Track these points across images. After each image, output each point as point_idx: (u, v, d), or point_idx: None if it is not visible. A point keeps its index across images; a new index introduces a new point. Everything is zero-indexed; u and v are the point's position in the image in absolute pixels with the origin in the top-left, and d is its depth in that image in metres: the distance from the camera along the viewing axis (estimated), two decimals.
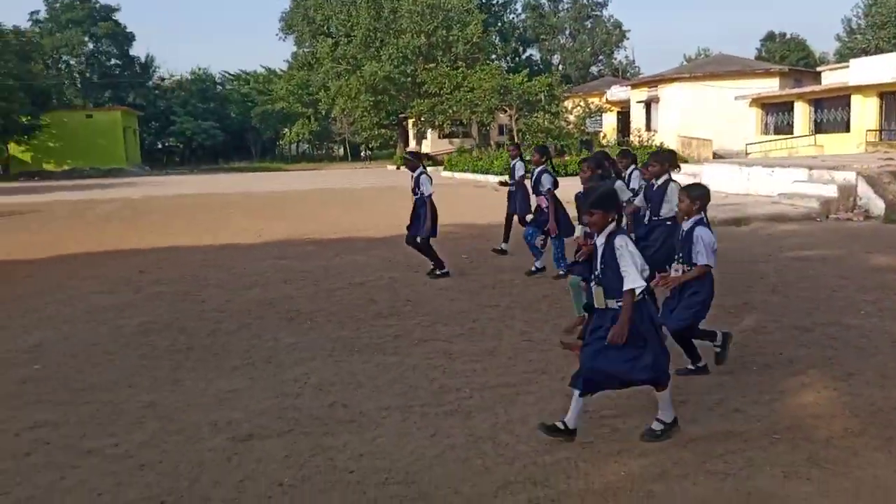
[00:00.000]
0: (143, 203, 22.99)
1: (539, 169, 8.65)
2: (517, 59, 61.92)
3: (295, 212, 18.46)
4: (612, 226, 3.91)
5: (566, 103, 35.42)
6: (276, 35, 58.92)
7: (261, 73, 67.40)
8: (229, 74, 71.02)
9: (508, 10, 62.59)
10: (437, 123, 39.22)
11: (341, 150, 70.21)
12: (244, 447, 4.05)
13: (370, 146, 69.48)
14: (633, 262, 3.80)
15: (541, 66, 60.49)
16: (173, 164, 62.62)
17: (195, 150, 63.75)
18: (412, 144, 51.26)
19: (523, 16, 65.08)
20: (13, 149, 48.04)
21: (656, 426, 4.04)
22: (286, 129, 65.91)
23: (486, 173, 29.49)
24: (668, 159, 6.92)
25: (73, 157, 48.87)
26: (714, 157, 28.89)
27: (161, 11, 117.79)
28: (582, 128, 35.07)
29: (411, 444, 4.03)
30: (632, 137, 34.10)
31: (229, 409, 4.66)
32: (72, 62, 57.59)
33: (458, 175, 32.03)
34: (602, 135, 36.85)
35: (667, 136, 32.26)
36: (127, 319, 7.14)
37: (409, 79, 39.89)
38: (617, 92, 39.60)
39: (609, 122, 40.10)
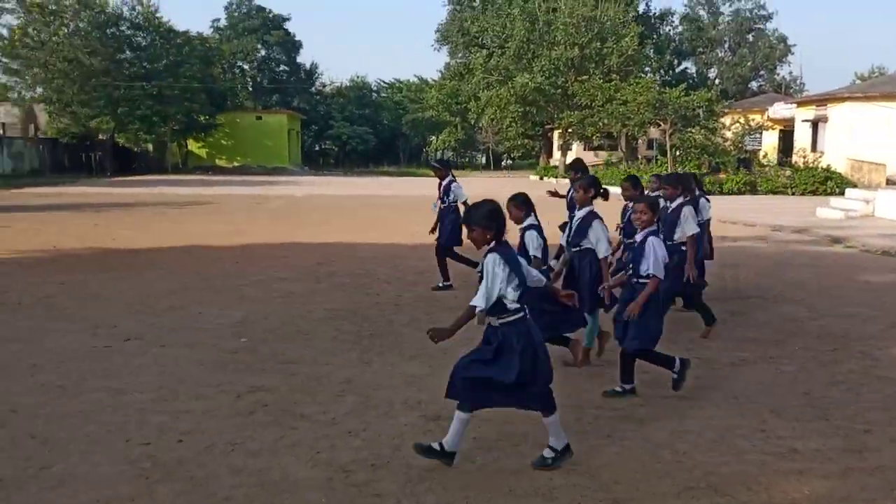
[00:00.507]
0: (306, 201, 24.67)
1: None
2: (671, 71, 60.16)
3: None
4: (492, 243, 3.82)
5: (724, 119, 34.06)
6: (432, 46, 60.94)
7: (413, 82, 69.89)
8: (384, 82, 74.19)
9: (665, 23, 60.94)
10: (585, 135, 38.97)
11: (483, 159, 71.34)
12: (435, 425, 4.46)
13: (512, 156, 70.04)
14: (486, 284, 3.71)
15: (696, 80, 58.40)
16: (328, 165, 66.28)
17: (349, 154, 67.15)
18: (556, 156, 51.22)
19: (680, 28, 63.12)
20: (191, 145, 52.95)
21: (547, 453, 3.93)
22: (433, 137, 67.89)
23: None
24: (682, 182, 6.65)
25: (242, 154, 53.08)
26: (888, 184, 26.71)
27: (327, 22, 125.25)
28: (740, 145, 33.58)
29: (588, 442, 4.27)
30: (795, 158, 32.20)
31: (416, 391, 5.13)
32: (245, 67, 62.60)
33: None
34: (762, 153, 35.05)
35: (834, 158, 30.20)
36: (315, 305, 7.90)
37: (560, 90, 39.93)
38: (780, 109, 37.48)
39: (769, 141, 38.04)
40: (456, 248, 8.79)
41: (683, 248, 6.44)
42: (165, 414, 4.67)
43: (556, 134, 50.48)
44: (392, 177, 48.92)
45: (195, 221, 17.25)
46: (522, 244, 5.43)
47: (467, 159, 74.30)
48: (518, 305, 3.79)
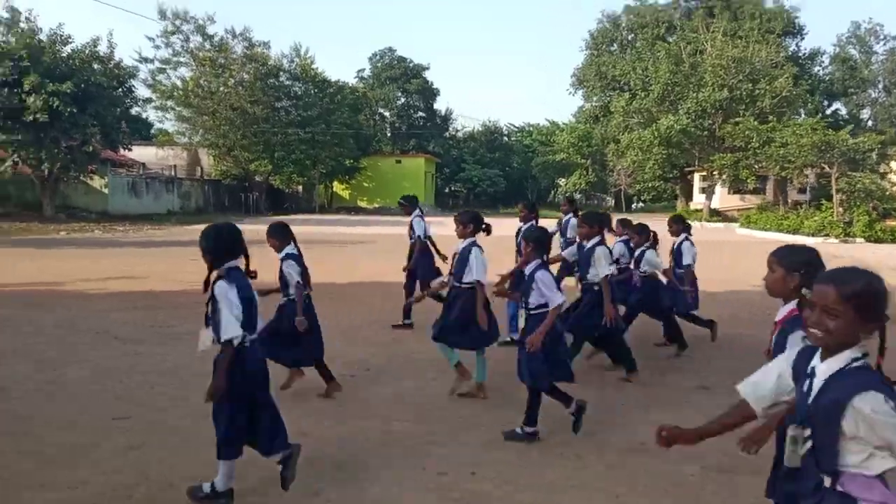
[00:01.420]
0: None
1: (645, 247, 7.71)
2: (821, 113, 57.40)
3: None
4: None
5: (893, 163, 32.00)
6: (567, 90, 61.48)
7: (544, 126, 70.50)
8: (514, 126, 75.33)
9: (814, 63, 58.37)
10: (738, 178, 37.72)
11: (612, 201, 70.43)
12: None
13: (643, 198, 68.71)
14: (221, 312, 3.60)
15: (848, 121, 55.29)
16: (457, 206, 67.76)
17: (478, 195, 68.36)
18: (696, 199, 49.72)
19: (830, 68, 60.20)
20: (336, 186, 55.82)
21: (205, 487, 3.79)
22: (562, 179, 67.94)
23: (795, 233, 27.64)
24: (598, 221, 6.49)
25: (382, 196, 55.28)
26: None
27: (462, 70, 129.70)
28: None
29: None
30: None
31: None
32: (386, 114, 65.53)
33: (757, 233, 30.39)
34: None
35: None
36: None
37: (706, 132, 39.03)
38: None
39: None
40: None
41: (595, 288, 6.37)
42: None
43: (696, 176, 49.16)
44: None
45: (367, 258, 18.06)
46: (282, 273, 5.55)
47: (595, 201, 73.72)
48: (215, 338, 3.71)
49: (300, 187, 53.27)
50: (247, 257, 3.88)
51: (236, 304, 3.61)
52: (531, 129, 72.40)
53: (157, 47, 44.17)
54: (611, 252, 6.62)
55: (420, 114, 66.84)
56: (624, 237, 7.74)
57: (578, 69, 56.46)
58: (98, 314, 9.54)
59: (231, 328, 3.57)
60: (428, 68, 65.15)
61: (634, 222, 7.92)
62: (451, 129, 70.98)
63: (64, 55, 30.72)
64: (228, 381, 3.60)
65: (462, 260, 5.87)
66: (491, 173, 65.93)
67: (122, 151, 38.52)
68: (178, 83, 44.58)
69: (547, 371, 4.85)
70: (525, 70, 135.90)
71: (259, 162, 45.78)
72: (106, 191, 36.84)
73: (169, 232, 28.05)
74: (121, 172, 39.68)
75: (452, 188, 74.34)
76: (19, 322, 8.88)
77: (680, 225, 8.11)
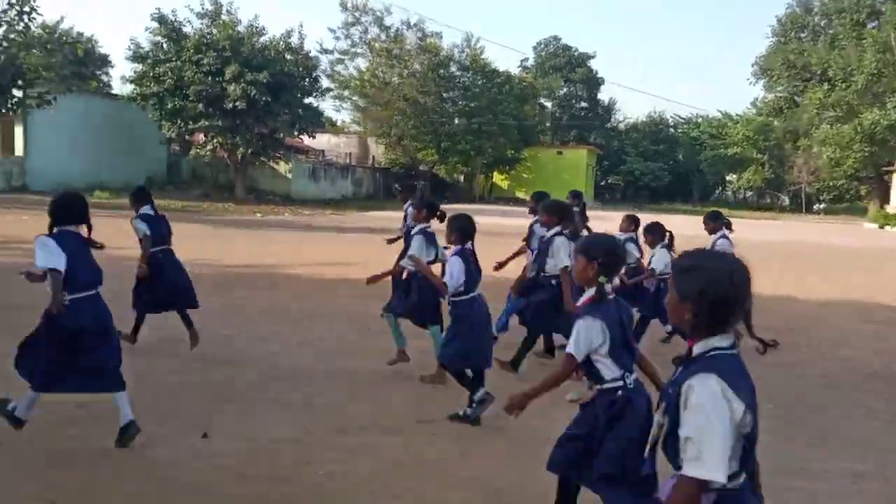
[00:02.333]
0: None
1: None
2: None
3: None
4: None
5: None
6: (747, 80, 57.56)
7: (715, 117, 66.57)
8: (681, 118, 71.79)
9: None
10: None
11: (787, 200, 65.28)
12: None
13: (822, 198, 63.09)
14: None
15: None
16: (614, 200, 65.66)
17: (639, 189, 65.85)
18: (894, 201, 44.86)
19: None
20: (496, 177, 55.75)
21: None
22: (733, 175, 63.88)
23: None
24: (558, 211, 6.28)
25: (540, 187, 53.46)
26: None
27: (628, 58, 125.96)
28: None
29: None
30: None
31: None
32: (547, 104, 64.61)
33: None
34: None
35: None
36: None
37: None
38: None
39: None
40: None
41: (553, 281, 6.13)
42: None
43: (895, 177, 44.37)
44: (688, 215, 46.56)
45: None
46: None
47: (768, 199, 68.76)
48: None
49: (461, 177, 53.69)
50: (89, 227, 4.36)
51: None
52: (700, 120, 68.66)
53: (338, 38, 45.84)
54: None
55: (582, 104, 65.32)
56: (630, 234, 7.66)
57: (761, 57, 52.59)
58: (348, 299, 9.66)
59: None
60: (594, 57, 63.52)
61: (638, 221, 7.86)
62: (613, 119, 68.83)
63: (259, 46, 32.49)
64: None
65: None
66: (654, 167, 63.25)
67: (304, 139, 40.44)
68: (355, 73, 46.15)
69: (461, 356, 5.01)
70: (696, 59, 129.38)
71: (426, 151, 46.52)
72: (289, 175, 38.87)
73: (353, 217, 28.99)
74: (301, 158, 41.72)
75: (610, 181, 72.19)
76: (286, 308, 9.10)
77: (717, 222, 7.58)
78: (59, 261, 3.96)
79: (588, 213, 8.91)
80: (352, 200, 40.90)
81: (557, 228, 6.23)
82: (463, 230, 5.12)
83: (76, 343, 4.10)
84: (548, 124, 65.35)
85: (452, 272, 4.99)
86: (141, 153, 36.22)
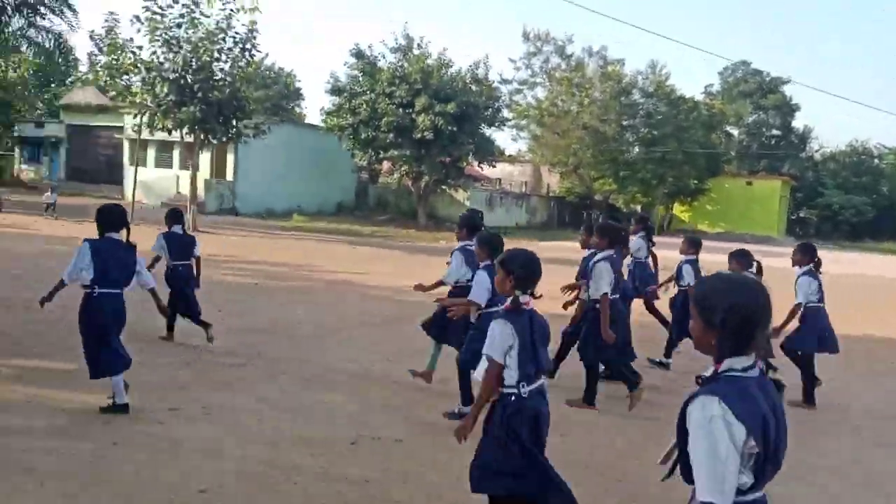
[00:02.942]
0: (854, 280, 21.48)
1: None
2: None
3: None
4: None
5: None
6: None
7: None
8: (886, 147, 64.74)
9: None
10: None
11: None
12: None
13: None
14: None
15: None
16: (807, 235, 60.19)
17: (838, 224, 59.95)
18: None
19: None
20: (676, 208, 53.20)
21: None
22: None
23: None
24: (610, 233, 6.32)
25: (726, 220, 51.22)
26: None
27: (827, 83, 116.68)
28: None
29: None
30: None
31: None
32: (734, 132, 60.94)
33: None
34: None
35: None
36: None
37: None
38: None
39: None
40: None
41: (597, 306, 6.16)
42: None
43: None
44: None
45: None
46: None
47: None
48: None
49: (639, 207, 51.78)
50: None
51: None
52: None
53: (518, 69, 46.18)
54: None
55: (773, 131, 60.86)
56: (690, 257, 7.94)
57: None
58: None
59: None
60: (788, 82, 59.05)
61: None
62: (808, 148, 63.48)
63: (447, 78, 33.36)
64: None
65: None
66: (857, 200, 57.38)
67: (480, 167, 40.95)
68: (533, 103, 46.19)
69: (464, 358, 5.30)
70: None
71: (603, 180, 45.36)
72: (467, 203, 39.37)
73: (537, 247, 28.65)
74: (478, 186, 42.25)
75: (803, 215, 66.43)
76: None
77: (804, 255, 7.00)
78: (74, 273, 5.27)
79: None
80: (526, 229, 40.69)
81: (606, 252, 6.19)
82: (490, 245, 5.25)
83: (104, 330, 5.23)
84: (733, 153, 61.56)
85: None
86: (333, 181, 38.47)
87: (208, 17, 21.56)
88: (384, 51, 34.38)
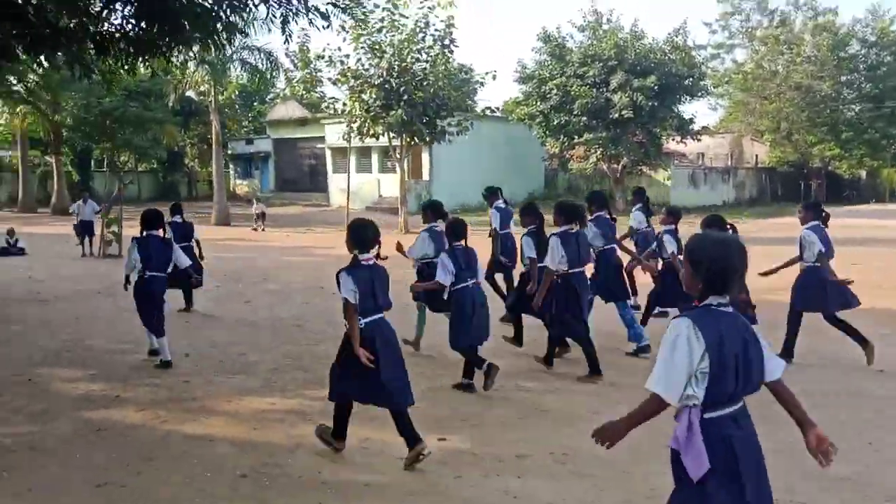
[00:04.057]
0: None
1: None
2: None
3: None
4: None
5: None
6: None
7: None
8: None
9: None
10: None
11: None
12: None
13: None
14: None
15: None
16: None
17: None
18: None
19: None
20: None
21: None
22: None
23: None
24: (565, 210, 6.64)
25: None
26: None
27: None
28: None
29: None
30: None
31: None
32: None
33: None
34: None
35: None
36: None
37: None
38: None
39: None
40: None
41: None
42: None
43: None
44: None
45: None
46: None
47: None
48: None
49: (862, 172, 45.86)
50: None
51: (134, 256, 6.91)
52: None
53: (713, 32, 42.54)
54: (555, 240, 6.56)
55: None
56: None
57: None
58: None
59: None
60: None
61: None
62: None
63: (644, 51, 31.20)
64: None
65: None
66: None
67: (683, 143, 38.11)
68: (732, 67, 42.36)
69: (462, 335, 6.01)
70: None
71: (823, 145, 40.51)
72: (668, 183, 36.93)
73: (755, 226, 25.93)
74: (680, 164, 39.46)
75: None
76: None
77: (809, 212, 6.95)
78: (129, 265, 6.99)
79: None
80: (734, 206, 37.30)
81: (565, 227, 6.50)
82: (453, 229, 6.07)
83: (153, 302, 6.87)
84: None
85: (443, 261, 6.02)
86: (522, 171, 37.68)
87: (407, 17, 21.45)
88: (572, 31, 32.94)
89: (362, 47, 21.58)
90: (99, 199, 19.13)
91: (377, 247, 4.63)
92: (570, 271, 6.39)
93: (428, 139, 22.78)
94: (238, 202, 37.64)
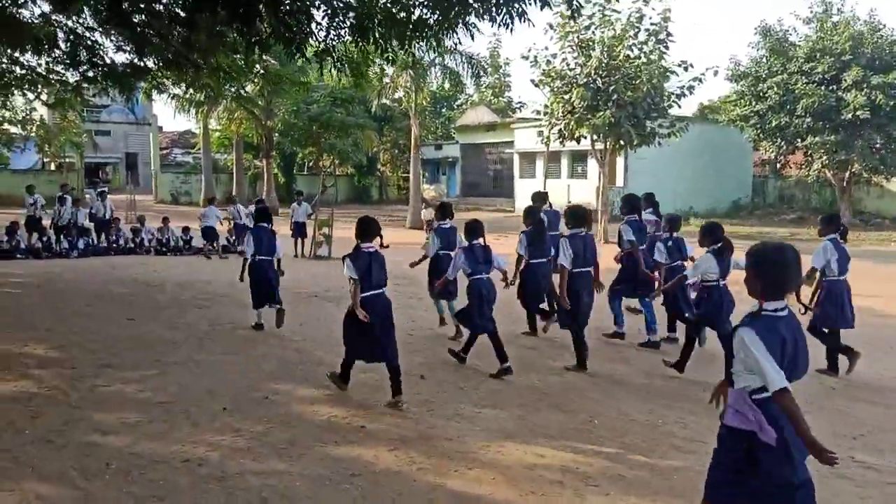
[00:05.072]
0: None
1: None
2: None
3: None
4: None
5: None
6: None
7: None
8: None
9: None
10: None
11: None
12: None
13: None
14: None
15: None
16: None
17: None
18: None
19: None
20: None
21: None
22: None
23: None
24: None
25: None
26: None
27: None
28: None
29: None
30: None
31: None
32: None
33: None
34: None
35: None
36: None
37: None
38: None
39: None
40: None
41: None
42: None
43: None
44: None
45: None
46: None
47: None
48: None
49: None
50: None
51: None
52: None
53: None
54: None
55: None
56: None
57: None
58: None
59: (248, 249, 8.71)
60: None
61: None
62: None
63: (885, 43, 27.18)
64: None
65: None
66: None
67: None
68: None
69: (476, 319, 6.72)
70: None
71: None
72: None
73: None
74: None
75: None
76: None
77: (827, 226, 7.27)
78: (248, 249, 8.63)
79: None
80: None
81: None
82: (469, 229, 6.88)
83: (264, 284, 8.56)
84: None
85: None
86: (727, 177, 34.57)
87: (619, 12, 19.97)
88: (795, 24, 29.57)
89: (569, 45, 20.41)
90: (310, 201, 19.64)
91: (379, 238, 6.41)
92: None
93: (636, 142, 21.05)
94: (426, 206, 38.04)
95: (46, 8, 9.48)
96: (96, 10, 9.37)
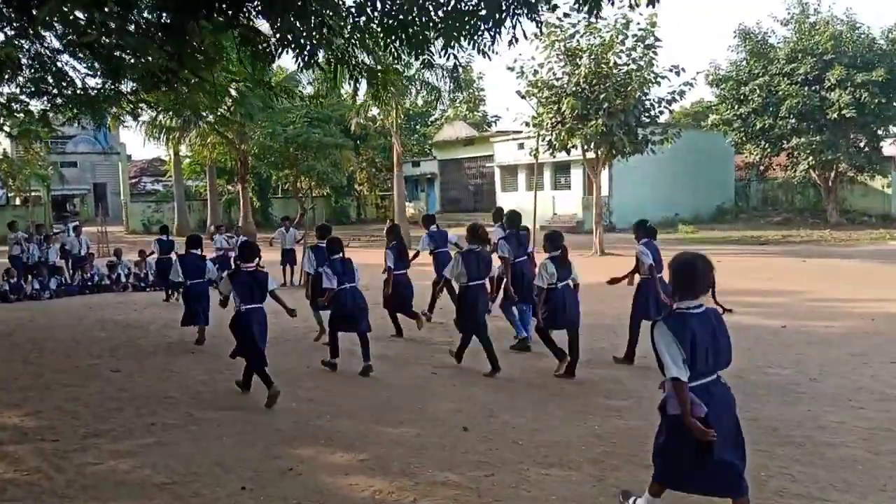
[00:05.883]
0: None
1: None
2: None
3: None
4: None
5: None
6: None
7: None
8: None
9: None
10: None
11: None
12: None
13: None
14: None
15: None
16: None
17: None
18: None
19: None
20: None
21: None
22: None
23: None
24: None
25: None
26: None
27: None
28: None
29: None
30: None
31: None
32: None
33: None
34: None
35: None
36: None
37: None
38: None
39: None
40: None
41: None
42: None
43: None
44: None
45: None
46: None
47: None
48: None
49: None
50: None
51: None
52: None
53: None
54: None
55: None
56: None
57: None
58: None
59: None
60: None
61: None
62: None
63: (866, 41, 27.18)
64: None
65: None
66: None
67: None
68: None
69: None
70: None
71: None
72: (888, 191, 32.06)
73: None
74: None
75: None
76: None
77: (639, 230, 8.12)
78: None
79: None
80: None
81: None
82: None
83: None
84: None
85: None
86: (710, 182, 34.28)
87: (605, 18, 19.46)
88: (773, 26, 29.51)
89: (556, 54, 19.84)
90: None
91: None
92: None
93: (629, 150, 20.49)
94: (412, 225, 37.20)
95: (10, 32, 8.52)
96: (62, 34, 8.50)
